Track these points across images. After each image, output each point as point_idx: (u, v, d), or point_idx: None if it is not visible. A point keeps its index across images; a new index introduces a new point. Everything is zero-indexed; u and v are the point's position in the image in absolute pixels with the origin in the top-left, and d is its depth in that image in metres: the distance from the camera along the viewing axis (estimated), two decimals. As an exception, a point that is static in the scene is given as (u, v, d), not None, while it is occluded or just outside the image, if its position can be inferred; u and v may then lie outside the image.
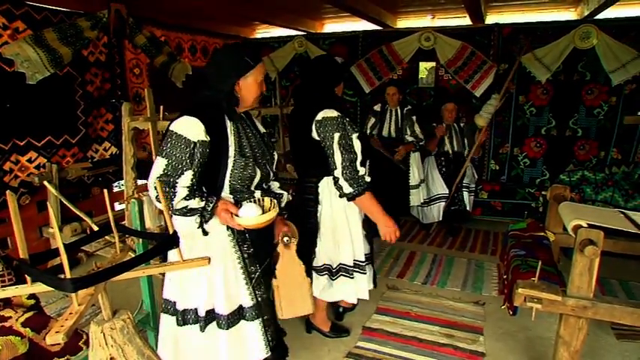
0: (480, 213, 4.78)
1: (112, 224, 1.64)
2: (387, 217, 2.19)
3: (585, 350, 2.21)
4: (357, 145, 2.13)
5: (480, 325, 2.71)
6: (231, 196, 1.76)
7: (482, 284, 3.29)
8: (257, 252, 1.83)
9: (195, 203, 1.64)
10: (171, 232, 1.46)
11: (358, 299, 2.85)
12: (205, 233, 1.71)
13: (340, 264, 2.37)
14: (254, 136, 1.85)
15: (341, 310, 2.84)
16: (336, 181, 2.11)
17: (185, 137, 1.60)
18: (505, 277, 2.38)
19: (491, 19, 4.80)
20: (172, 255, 1.73)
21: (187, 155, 1.61)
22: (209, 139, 1.64)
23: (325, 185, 2.26)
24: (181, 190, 1.63)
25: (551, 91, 4.59)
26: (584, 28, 4.22)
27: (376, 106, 4.25)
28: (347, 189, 2.09)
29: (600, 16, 4.25)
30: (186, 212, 1.64)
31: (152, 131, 2.67)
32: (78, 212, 2.09)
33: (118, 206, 4.12)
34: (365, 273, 2.39)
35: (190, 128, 1.62)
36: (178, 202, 1.63)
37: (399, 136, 4.12)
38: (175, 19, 4.70)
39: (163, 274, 1.96)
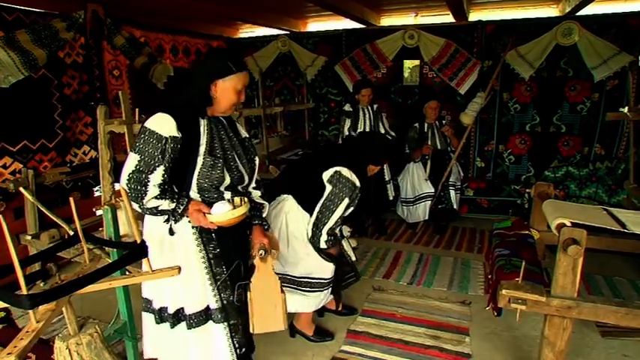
0: (466, 211, 4.77)
1: (80, 233, 1.58)
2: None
3: (570, 348, 2.19)
4: (347, 213, 2.25)
5: (466, 326, 2.69)
6: (199, 195, 1.73)
7: (468, 283, 3.27)
8: (224, 253, 1.80)
9: (166, 205, 1.63)
10: (139, 240, 1.40)
11: (345, 306, 2.87)
12: (172, 233, 1.72)
13: (288, 274, 2.38)
14: (229, 139, 1.83)
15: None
16: (319, 233, 2.23)
17: (157, 133, 1.60)
18: (490, 277, 2.36)
19: (474, 16, 4.79)
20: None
21: (159, 151, 1.60)
22: (180, 135, 1.64)
23: (294, 204, 2.33)
24: (153, 188, 1.60)
25: (534, 87, 4.59)
26: (565, 25, 4.24)
27: (346, 107, 4.18)
28: (323, 245, 2.25)
29: (582, 12, 4.26)
30: (156, 212, 1.64)
31: (128, 134, 2.60)
32: (54, 218, 2.01)
33: (99, 212, 4.02)
34: (308, 292, 2.38)
35: (163, 124, 1.62)
36: (149, 201, 1.60)
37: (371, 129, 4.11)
38: (155, 20, 4.61)
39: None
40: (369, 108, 4.09)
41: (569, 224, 1.88)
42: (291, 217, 2.33)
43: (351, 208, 2.24)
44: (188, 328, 1.78)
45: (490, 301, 2.17)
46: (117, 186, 3.52)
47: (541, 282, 1.98)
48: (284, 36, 5.44)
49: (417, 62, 5.03)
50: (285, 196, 2.34)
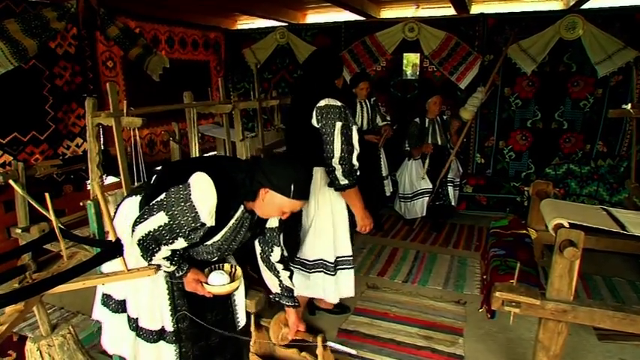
0: (464, 207, 4.70)
1: (56, 230, 1.52)
2: (365, 211, 2.26)
3: (566, 351, 2.14)
4: (356, 137, 2.13)
5: (460, 326, 2.63)
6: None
7: (464, 282, 3.21)
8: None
9: (170, 268, 1.57)
10: (114, 239, 1.34)
11: (338, 304, 2.80)
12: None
13: (320, 259, 2.31)
14: (246, 231, 1.71)
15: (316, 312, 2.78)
16: (332, 170, 2.09)
17: (198, 213, 1.43)
18: (485, 277, 2.30)
19: (476, 9, 4.69)
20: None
21: (189, 229, 1.47)
22: (214, 224, 1.51)
23: (313, 176, 2.19)
24: (165, 251, 1.51)
25: (537, 82, 4.50)
26: (569, 19, 4.14)
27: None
28: (342, 180, 2.09)
29: (586, 6, 4.16)
30: (156, 267, 1.57)
31: (116, 128, 2.53)
32: (43, 211, 1.96)
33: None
34: (351, 268, 2.35)
35: (207, 204, 1.44)
36: (157, 260, 1.52)
37: (370, 127, 4.05)
38: (151, 10, 4.53)
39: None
40: (367, 102, 4.01)
41: (566, 225, 1.82)
42: (322, 196, 2.24)
43: (355, 128, 2.13)
44: (137, 336, 1.72)
45: (484, 302, 2.10)
46: (108, 180, 3.47)
47: (536, 284, 1.92)
48: (282, 28, 5.36)
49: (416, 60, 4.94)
50: (314, 169, 2.21)
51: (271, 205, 1.54)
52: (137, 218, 1.48)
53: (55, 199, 3.74)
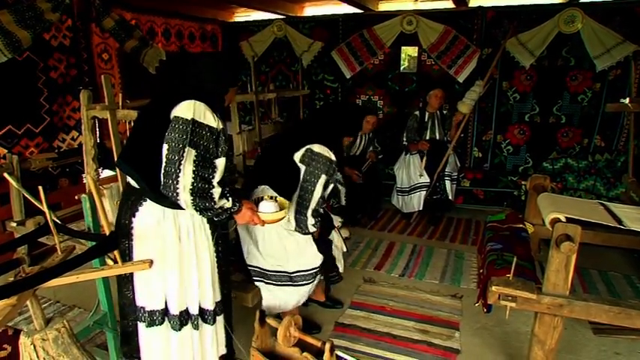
0: (462, 201, 4.70)
1: (50, 224, 1.51)
2: None
3: (562, 345, 2.15)
4: (329, 190, 2.16)
5: (457, 320, 2.64)
6: None
7: (460, 276, 3.21)
8: (227, 249, 1.80)
9: (229, 204, 1.58)
10: (108, 232, 1.33)
11: (332, 298, 2.81)
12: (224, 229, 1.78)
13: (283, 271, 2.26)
14: None
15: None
16: (304, 220, 2.09)
17: (206, 123, 1.51)
18: (481, 271, 2.30)
19: (474, 2, 4.65)
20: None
21: (214, 144, 1.52)
22: (222, 126, 1.59)
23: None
24: (217, 186, 1.53)
25: (535, 76, 4.48)
26: (569, 12, 4.11)
27: None
28: (312, 229, 2.12)
29: (585, -1, 4.13)
30: (220, 213, 1.57)
31: (111, 120, 2.51)
32: (38, 204, 1.94)
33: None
34: (301, 285, 2.29)
35: (205, 111, 1.52)
36: (219, 202, 1.54)
37: (364, 152, 4.28)
38: (147, 2, 4.48)
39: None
40: (367, 134, 4.20)
41: (563, 219, 1.81)
42: None
43: (332, 185, 2.13)
44: (195, 329, 1.72)
45: (480, 296, 2.11)
46: (104, 173, 3.45)
47: (532, 278, 1.93)
48: (280, 20, 5.31)
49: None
50: (262, 187, 2.18)
51: (229, 97, 1.78)
52: (171, 179, 1.43)
53: (51, 193, 3.72)
